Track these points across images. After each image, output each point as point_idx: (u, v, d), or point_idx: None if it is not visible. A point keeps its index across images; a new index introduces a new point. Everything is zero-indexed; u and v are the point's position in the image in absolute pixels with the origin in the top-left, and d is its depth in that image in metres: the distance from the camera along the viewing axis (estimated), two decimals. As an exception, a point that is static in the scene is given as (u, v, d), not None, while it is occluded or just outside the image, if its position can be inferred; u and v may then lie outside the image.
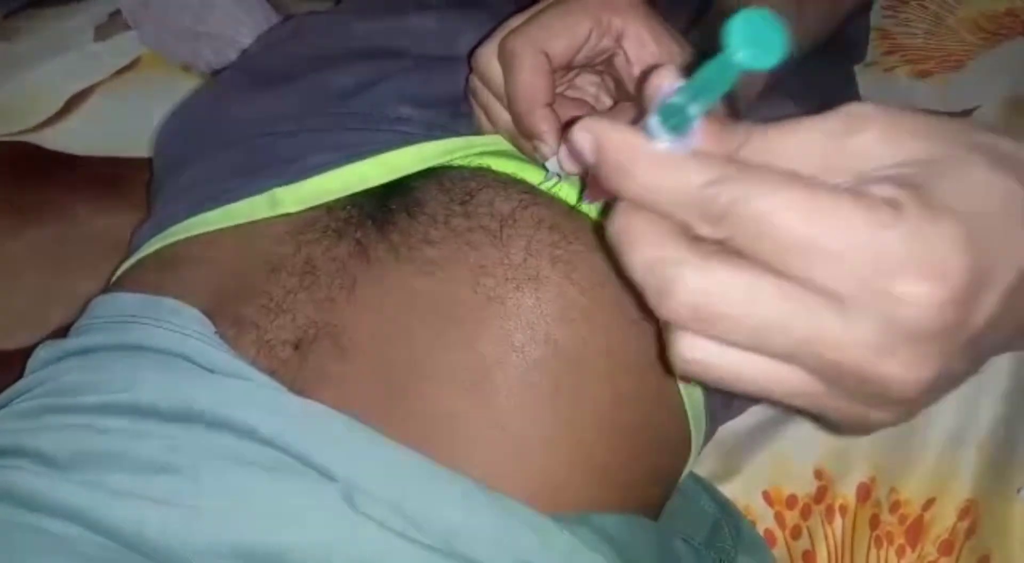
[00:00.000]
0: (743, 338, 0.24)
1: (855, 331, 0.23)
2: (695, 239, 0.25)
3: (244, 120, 0.49)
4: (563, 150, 0.38)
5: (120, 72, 0.78)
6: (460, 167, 0.43)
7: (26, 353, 0.45)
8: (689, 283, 0.24)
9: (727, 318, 0.24)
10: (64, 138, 0.74)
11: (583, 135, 0.26)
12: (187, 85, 0.76)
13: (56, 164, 0.72)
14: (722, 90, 0.24)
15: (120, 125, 0.74)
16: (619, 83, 0.42)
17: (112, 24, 0.81)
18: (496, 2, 0.60)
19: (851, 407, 0.26)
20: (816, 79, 0.57)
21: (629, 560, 0.38)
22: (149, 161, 0.62)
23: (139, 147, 0.71)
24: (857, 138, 0.25)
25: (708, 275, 0.24)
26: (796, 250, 0.23)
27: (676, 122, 0.25)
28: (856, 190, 0.24)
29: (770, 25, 0.22)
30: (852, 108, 0.25)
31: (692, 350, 0.25)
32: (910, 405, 0.25)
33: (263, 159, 0.46)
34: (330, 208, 0.43)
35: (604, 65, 0.42)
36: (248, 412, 0.36)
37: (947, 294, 0.23)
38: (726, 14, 0.48)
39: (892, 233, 0.22)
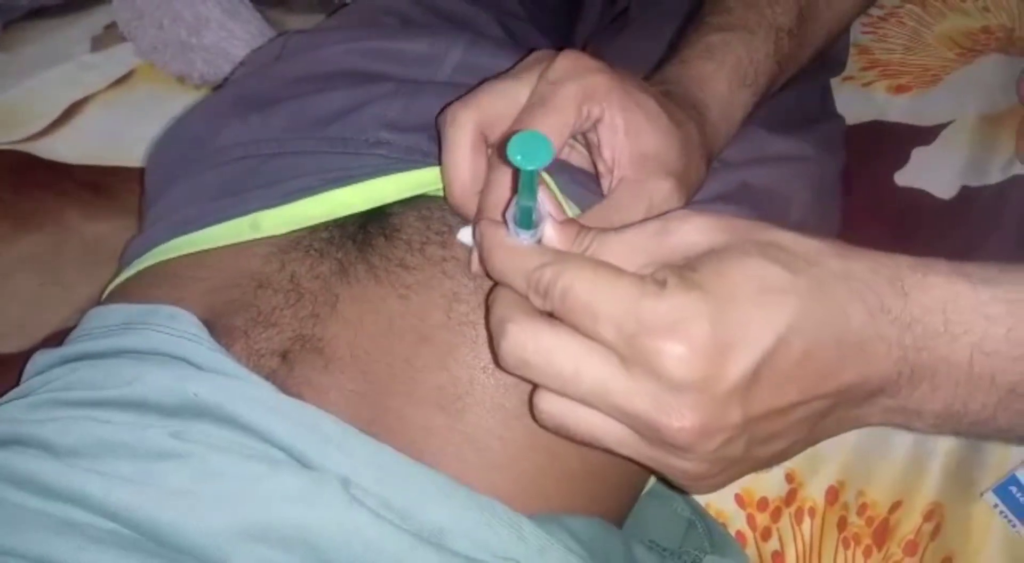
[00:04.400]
0: (554, 384, 0.32)
1: (634, 382, 0.30)
2: (537, 310, 0.32)
3: (230, 142, 0.50)
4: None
5: (115, 83, 0.79)
6: (439, 196, 0.44)
7: (20, 358, 0.46)
8: (511, 336, 0.32)
9: (536, 366, 0.31)
10: (60, 147, 0.75)
11: (476, 231, 0.36)
12: (181, 96, 0.77)
13: (51, 173, 0.73)
14: (533, 190, 0.32)
15: (115, 135, 0.75)
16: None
17: (108, 36, 0.82)
18: (482, 22, 0.61)
19: (660, 456, 0.32)
20: (791, 104, 0.58)
21: (597, 560, 0.39)
22: (142, 171, 0.63)
23: (134, 157, 0.72)
24: (673, 236, 0.33)
25: (526, 331, 0.32)
26: (585, 313, 0.30)
27: (523, 220, 0.33)
28: (639, 274, 0.31)
29: (537, 139, 0.30)
30: (672, 214, 0.33)
31: (541, 401, 0.33)
32: (696, 452, 0.31)
33: (247, 181, 0.47)
34: (312, 229, 0.44)
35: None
36: (246, 409, 0.37)
37: (688, 350, 0.29)
38: (703, 32, 0.48)
39: (653, 302, 0.29)
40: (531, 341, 0.31)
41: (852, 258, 0.32)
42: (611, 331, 0.30)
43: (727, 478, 0.33)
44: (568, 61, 0.39)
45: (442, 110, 0.42)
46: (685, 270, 0.31)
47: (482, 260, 0.35)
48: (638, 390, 0.30)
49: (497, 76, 0.42)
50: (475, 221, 0.40)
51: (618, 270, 0.31)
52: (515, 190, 0.36)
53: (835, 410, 0.32)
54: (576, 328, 0.31)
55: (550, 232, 0.34)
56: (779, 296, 0.30)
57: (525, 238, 0.34)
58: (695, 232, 0.32)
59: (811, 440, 0.34)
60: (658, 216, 0.34)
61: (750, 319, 0.30)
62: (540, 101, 0.39)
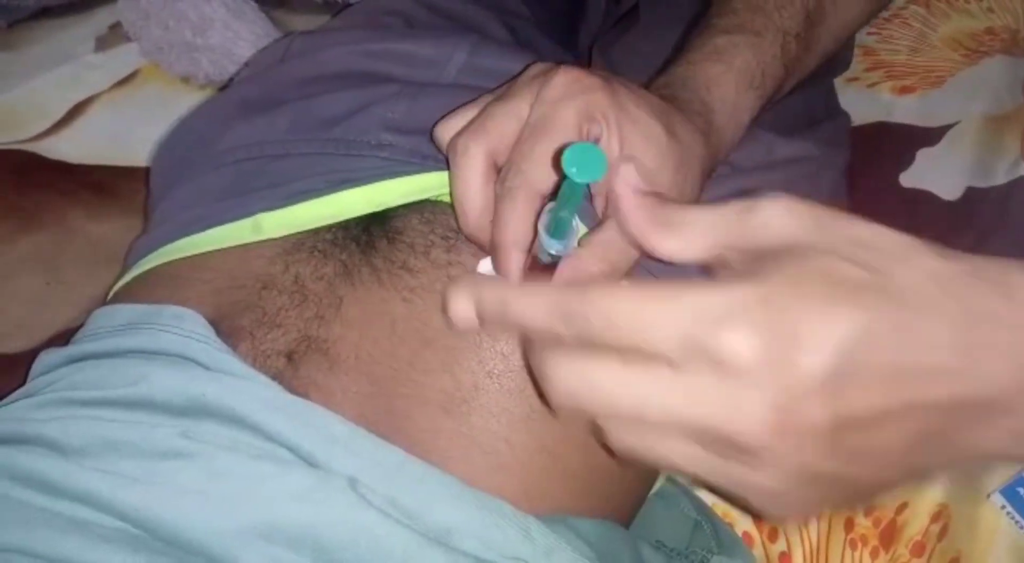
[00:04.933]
0: (613, 416, 0.29)
1: (693, 387, 0.27)
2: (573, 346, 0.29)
3: (234, 143, 0.50)
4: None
5: (120, 83, 0.79)
6: (441, 201, 0.44)
7: (25, 358, 0.46)
8: (554, 378, 0.29)
9: (591, 402, 0.29)
10: (64, 147, 0.75)
11: (461, 304, 0.31)
12: (186, 97, 0.77)
13: (55, 172, 0.73)
14: (577, 201, 0.31)
15: (119, 135, 0.75)
16: None
17: (113, 36, 0.82)
18: (485, 23, 0.61)
19: (734, 469, 0.28)
20: (799, 108, 0.58)
21: (605, 561, 0.39)
22: (146, 170, 0.63)
23: (138, 157, 0.72)
24: (758, 216, 0.30)
25: (570, 370, 0.29)
26: (626, 324, 0.27)
27: (558, 230, 0.33)
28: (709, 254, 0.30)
29: (593, 152, 0.29)
30: (758, 197, 0.31)
31: (611, 434, 0.30)
32: (770, 458, 0.27)
33: (250, 183, 0.47)
34: (316, 230, 0.44)
35: None
36: (254, 409, 0.37)
37: (752, 331, 0.26)
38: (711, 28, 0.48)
39: (707, 294, 0.27)
40: (575, 378, 0.29)
41: (949, 258, 0.29)
42: (661, 335, 0.27)
43: (810, 498, 0.30)
44: (565, 78, 0.38)
45: (443, 117, 0.42)
46: (749, 261, 0.29)
47: (490, 321, 0.32)
48: (699, 395, 0.27)
49: (496, 91, 0.41)
50: (491, 250, 0.39)
51: (653, 284, 0.29)
52: (553, 197, 0.35)
53: (942, 432, 0.28)
54: (620, 347, 0.28)
55: (630, 202, 0.31)
56: (859, 291, 0.27)
57: (554, 247, 0.34)
58: (781, 213, 0.30)
59: (917, 468, 0.30)
60: (744, 199, 0.31)
61: (824, 309, 0.27)
62: (540, 123, 0.38)
